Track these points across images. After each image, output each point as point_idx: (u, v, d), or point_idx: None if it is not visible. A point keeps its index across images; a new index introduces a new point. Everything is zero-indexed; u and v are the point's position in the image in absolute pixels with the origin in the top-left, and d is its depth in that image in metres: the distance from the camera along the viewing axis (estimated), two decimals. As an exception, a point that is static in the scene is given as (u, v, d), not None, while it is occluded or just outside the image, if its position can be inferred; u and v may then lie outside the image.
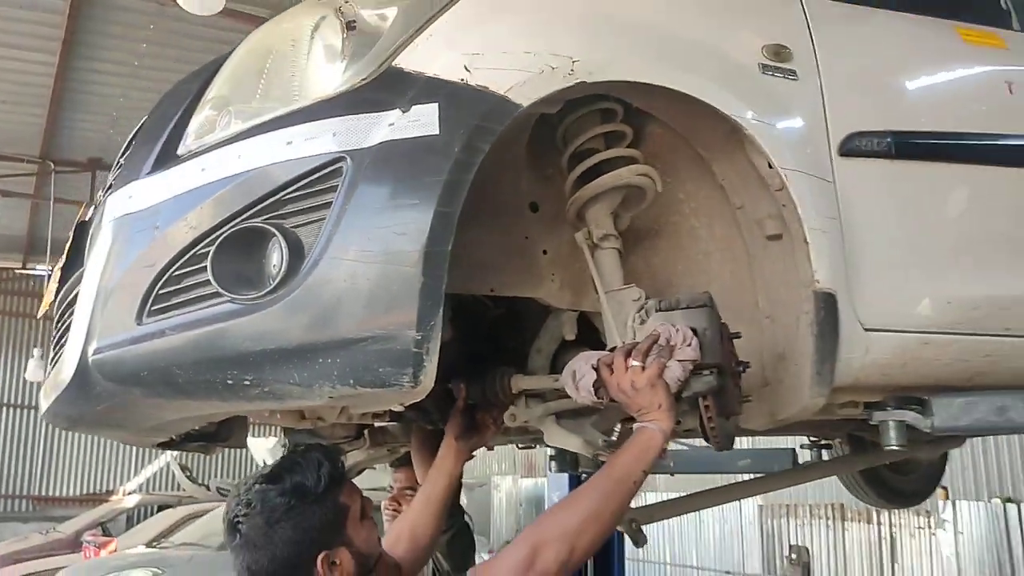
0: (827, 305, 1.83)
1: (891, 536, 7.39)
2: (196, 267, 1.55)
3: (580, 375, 1.73)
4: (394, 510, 2.74)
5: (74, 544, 12.03)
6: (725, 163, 1.93)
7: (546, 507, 4.21)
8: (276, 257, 1.51)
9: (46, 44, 9.10)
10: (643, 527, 2.69)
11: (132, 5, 8.28)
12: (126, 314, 1.60)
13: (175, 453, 13.98)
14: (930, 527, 7.13)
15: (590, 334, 2.06)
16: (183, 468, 12.92)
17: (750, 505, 8.58)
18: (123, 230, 1.66)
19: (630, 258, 2.04)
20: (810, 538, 8.11)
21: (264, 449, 10.82)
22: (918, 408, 2.08)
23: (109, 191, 1.74)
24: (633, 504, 1.83)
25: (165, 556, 8.67)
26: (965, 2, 2.45)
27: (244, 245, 1.52)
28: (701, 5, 1.96)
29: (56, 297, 2.06)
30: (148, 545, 9.58)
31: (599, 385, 1.69)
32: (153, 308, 1.58)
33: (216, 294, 1.52)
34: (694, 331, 1.67)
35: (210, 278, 1.52)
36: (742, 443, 4.83)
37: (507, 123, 1.57)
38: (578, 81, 1.63)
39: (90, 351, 1.64)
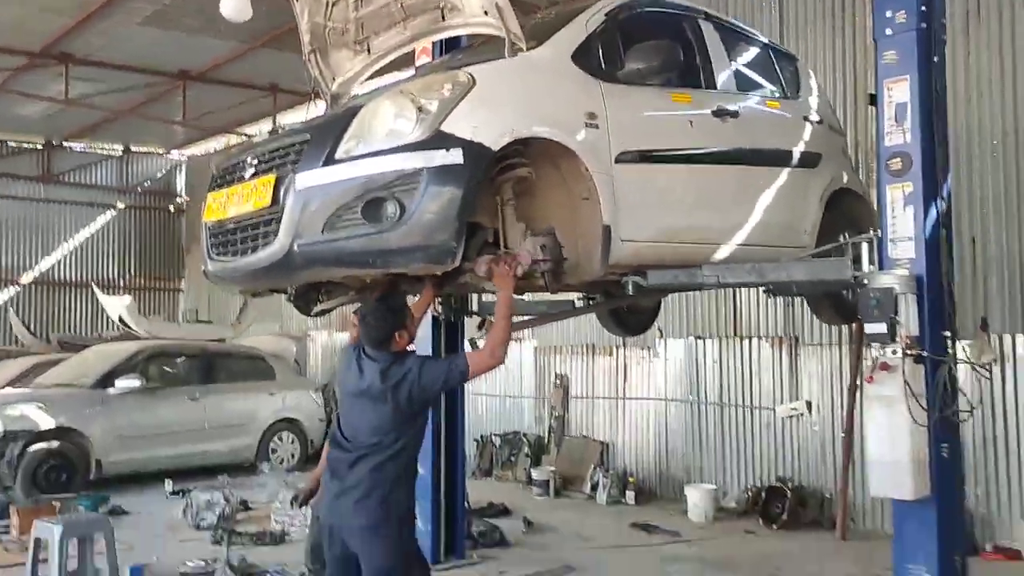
0: (606, 231, 4.06)
1: (624, 365, 9.80)
2: (352, 211, 3.53)
3: (482, 265, 3.87)
4: None
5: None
6: (565, 165, 4.07)
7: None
8: (391, 209, 3.50)
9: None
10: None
11: None
12: (316, 228, 3.54)
13: (14, 312, 14.76)
14: (649, 358, 9.56)
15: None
16: (24, 323, 13.77)
17: (528, 348, 10.87)
18: (311, 192, 3.57)
19: (521, 206, 4.11)
20: (570, 368, 10.40)
21: (119, 305, 12.13)
22: (643, 275, 4.50)
23: (297, 169, 3.65)
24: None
25: (45, 393, 9.71)
26: (681, 75, 4.74)
27: (377, 202, 3.52)
28: (559, 96, 4.04)
29: (229, 215, 3.94)
30: (12, 385, 10.49)
31: (489, 272, 3.85)
32: (329, 227, 3.55)
33: (363, 223, 3.51)
34: (543, 245, 3.94)
35: (360, 217, 3.54)
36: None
37: (490, 156, 3.65)
38: (513, 138, 3.73)
39: (295, 244, 3.59)
